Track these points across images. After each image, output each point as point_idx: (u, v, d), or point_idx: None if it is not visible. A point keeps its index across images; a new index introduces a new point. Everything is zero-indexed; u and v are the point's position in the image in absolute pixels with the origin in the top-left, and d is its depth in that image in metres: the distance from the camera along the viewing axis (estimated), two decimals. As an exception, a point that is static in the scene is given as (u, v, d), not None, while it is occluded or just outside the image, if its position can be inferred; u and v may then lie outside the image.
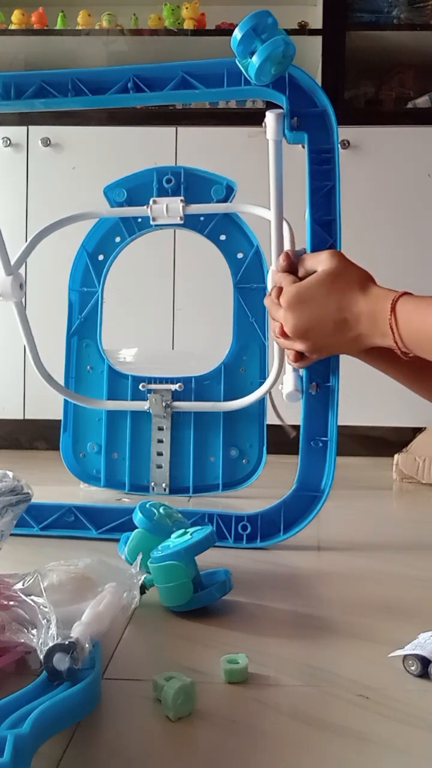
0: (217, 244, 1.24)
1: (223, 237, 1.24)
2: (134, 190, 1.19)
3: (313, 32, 2.29)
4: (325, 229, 0.93)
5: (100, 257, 1.24)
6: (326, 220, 0.93)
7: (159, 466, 1.26)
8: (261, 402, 1.22)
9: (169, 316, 2.01)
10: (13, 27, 2.47)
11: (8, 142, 2.09)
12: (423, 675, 0.60)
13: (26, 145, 2.08)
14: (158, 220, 1.16)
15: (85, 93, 0.95)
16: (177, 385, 1.25)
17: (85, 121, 2.14)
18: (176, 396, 1.25)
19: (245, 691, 0.58)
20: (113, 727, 0.53)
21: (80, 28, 2.46)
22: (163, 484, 1.26)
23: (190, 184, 1.19)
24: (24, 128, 2.09)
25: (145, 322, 1.99)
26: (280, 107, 0.92)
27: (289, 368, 0.95)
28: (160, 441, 1.26)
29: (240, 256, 1.25)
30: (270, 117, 0.91)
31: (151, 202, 1.15)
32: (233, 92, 0.95)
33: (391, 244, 1.92)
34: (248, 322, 1.25)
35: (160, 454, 1.26)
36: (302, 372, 0.95)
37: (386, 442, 1.88)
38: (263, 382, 1.23)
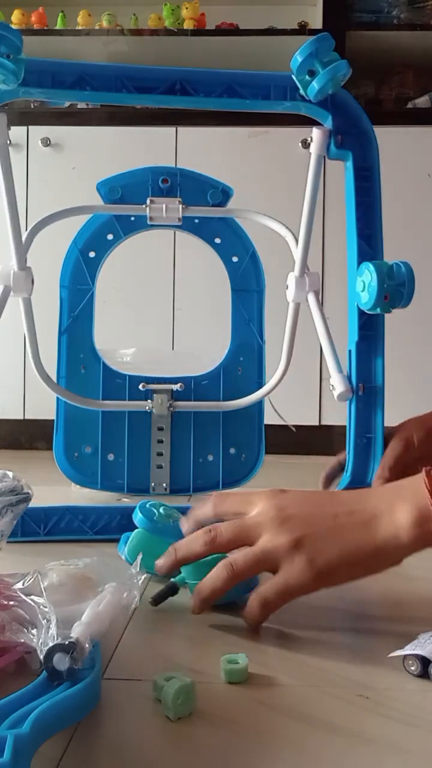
0: (212, 247, 1.24)
1: (218, 240, 1.24)
2: (129, 188, 1.18)
3: (313, 32, 2.29)
4: (367, 242, 0.98)
5: (92, 254, 1.23)
6: (367, 233, 0.98)
7: (159, 467, 1.26)
8: (259, 401, 1.23)
9: (169, 316, 2.01)
10: (13, 27, 2.47)
11: (8, 142, 2.09)
12: (423, 675, 0.60)
13: (26, 145, 2.08)
14: (156, 220, 1.16)
15: (131, 90, 0.95)
16: (178, 385, 1.25)
17: (85, 121, 2.14)
18: (176, 396, 1.24)
19: (245, 691, 0.58)
20: (113, 727, 0.53)
21: (80, 28, 2.46)
22: (164, 484, 1.26)
23: (186, 186, 1.19)
24: (24, 128, 2.09)
25: (145, 322, 1.99)
26: (305, 121, 0.96)
27: (334, 369, 0.97)
28: (160, 441, 1.26)
29: (235, 259, 1.25)
30: (317, 132, 0.97)
31: (148, 201, 1.15)
32: (279, 105, 0.98)
33: (391, 244, 1.91)
34: (245, 325, 1.25)
35: (160, 454, 1.26)
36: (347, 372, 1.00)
37: (386, 442, 1.88)
38: (261, 383, 1.23)
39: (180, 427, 1.26)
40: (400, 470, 0.97)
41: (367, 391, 1.00)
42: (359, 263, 0.99)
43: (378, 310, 0.96)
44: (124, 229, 1.22)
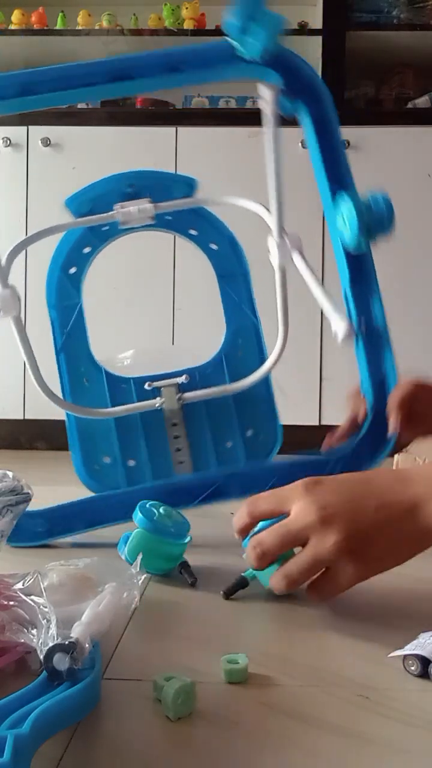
0: (190, 239, 1.25)
1: (193, 231, 1.24)
2: (97, 199, 1.19)
3: (313, 32, 2.30)
4: (339, 185, 0.98)
5: (73, 270, 1.23)
6: (338, 177, 0.99)
7: (180, 462, 1.25)
8: (265, 379, 1.22)
9: (169, 316, 2.01)
10: (13, 27, 2.47)
11: (8, 142, 2.09)
12: (423, 675, 0.60)
13: (26, 145, 2.09)
14: (129, 223, 1.16)
15: (76, 87, 0.96)
16: (183, 377, 1.24)
17: (85, 121, 2.15)
18: (183, 388, 1.24)
19: (245, 691, 0.58)
20: (113, 727, 0.53)
21: (80, 28, 2.46)
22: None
23: (151, 186, 1.20)
24: (24, 128, 2.09)
25: (145, 322, 1.99)
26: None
27: (332, 312, 0.97)
28: (176, 437, 1.24)
29: (214, 247, 1.25)
30: (265, 90, 0.97)
31: (118, 207, 1.14)
32: (223, 73, 0.98)
33: (392, 244, 1.92)
34: (237, 308, 1.25)
35: (178, 449, 1.24)
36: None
37: (386, 442, 1.89)
38: (263, 360, 1.23)
39: (193, 420, 1.25)
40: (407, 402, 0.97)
41: (369, 331, 0.99)
42: (334, 202, 0.99)
43: (363, 244, 0.96)
44: (100, 239, 1.22)
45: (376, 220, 0.94)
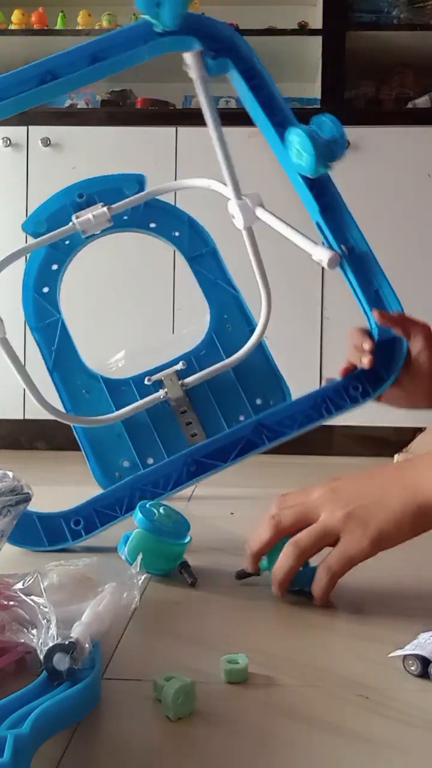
0: (152, 233, 1.25)
1: (153, 225, 1.25)
2: (52, 217, 1.20)
3: (313, 32, 2.30)
4: (281, 125, 0.99)
5: (46, 289, 1.24)
6: (279, 120, 1.00)
7: None
8: (260, 345, 1.23)
9: (169, 316, 2.01)
10: (13, 27, 2.47)
11: (8, 142, 2.09)
12: (423, 675, 0.60)
13: (26, 145, 2.08)
14: (88, 230, 1.16)
15: (6, 97, 0.96)
16: (180, 363, 1.24)
17: (85, 121, 2.14)
18: (182, 375, 1.24)
19: (245, 691, 0.58)
20: (113, 727, 0.53)
21: (80, 28, 2.46)
22: None
23: (101, 191, 1.21)
24: (24, 128, 2.09)
25: (145, 322, 1.99)
26: None
27: (310, 246, 0.97)
28: (188, 423, 1.24)
29: (177, 234, 1.26)
30: (188, 57, 0.99)
31: (73, 218, 1.15)
32: (144, 53, 0.99)
33: (392, 244, 1.92)
34: (214, 285, 1.26)
35: (194, 435, 1.24)
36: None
37: (386, 442, 1.88)
38: (253, 328, 1.23)
39: (201, 403, 1.25)
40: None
41: (352, 252, 0.99)
42: (283, 141, 0.99)
43: (322, 167, 0.95)
44: (65, 254, 1.23)
45: (328, 141, 0.94)
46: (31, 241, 1.16)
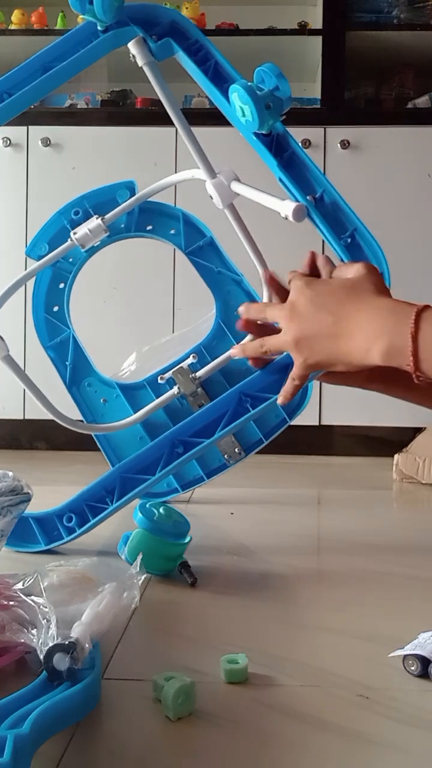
0: (150, 235, 1.26)
1: (150, 227, 1.26)
2: (53, 239, 1.22)
3: (313, 32, 2.29)
4: (226, 93, 0.97)
5: (56, 308, 1.26)
6: (225, 87, 0.97)
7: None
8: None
9: (169, 316, 2.01)
10: (13, 27, 2.47)
11: (8, 142, 2.09)
12: (423, 675, 0.60)
13: (26, 145, 2.08)
14: (87, 244, 1.18)
15: None
16: (191, 357, 1.24)
17: (85, 121, 2.14)
18: (194, 368, 1.24)
19: (245, 691, 0.58)
20: (113, 727, 0.53)
21: (80, 28, 2.46)
22: (236, 449, 1.24)
23: (95, 205, 1.22)
24: (24, 128, 2.09)
25: (145, 322, 1.99)
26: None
27: (275, 202, 0.94)
28: None
29: (173, 231, 1.27)
30: (132, 45, 0.99)
31: (72, 235, 1.16)
32: (92, 53, 1.00)
33: (392, 244, 1.91)
34: (217, 275, 1.26)
35: None
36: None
37: (386, 442, 1.88)
38: None
39: (218, 394, 1.25)
40: None
41: (321, 201, 0.97)
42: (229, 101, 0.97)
43: (270, 123, 0.95)
44: (69, 270, 1.25)
45: (268, 92, 0.93)
46: (33, 264, 1.18)
